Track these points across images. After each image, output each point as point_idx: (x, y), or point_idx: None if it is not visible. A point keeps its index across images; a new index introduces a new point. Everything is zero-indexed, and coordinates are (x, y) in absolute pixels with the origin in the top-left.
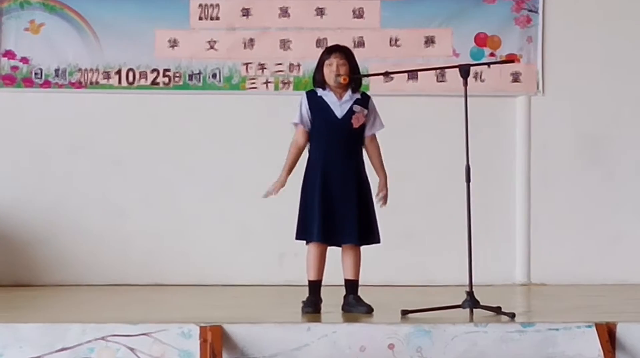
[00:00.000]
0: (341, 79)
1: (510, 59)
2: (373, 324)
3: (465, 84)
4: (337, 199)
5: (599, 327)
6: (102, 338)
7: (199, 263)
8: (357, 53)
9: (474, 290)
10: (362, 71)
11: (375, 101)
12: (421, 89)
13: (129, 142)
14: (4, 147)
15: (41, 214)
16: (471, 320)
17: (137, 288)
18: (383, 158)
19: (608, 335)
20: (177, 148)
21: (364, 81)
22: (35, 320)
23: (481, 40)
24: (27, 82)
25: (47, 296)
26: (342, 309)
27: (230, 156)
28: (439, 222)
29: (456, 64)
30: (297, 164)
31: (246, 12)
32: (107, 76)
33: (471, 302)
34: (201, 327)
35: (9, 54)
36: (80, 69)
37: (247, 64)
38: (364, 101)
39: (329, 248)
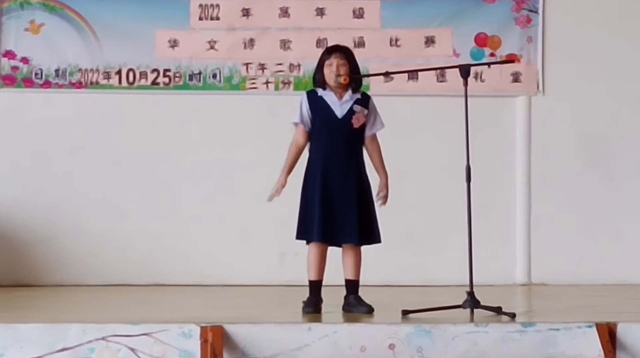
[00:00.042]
0: (341, 79)
1: (511, 59)
2: (374, 324)
3: (466, 84)
4: (338, 199)
5: (599, 327)
6: (103, 339)
7: (199, 263)
8: (358, 53)
9: (474, 290)
10: (362, 71)
11: (376, 101)
12: (421, 89)
13: (129, 142)
14: (4, 147)
15: (41, 215)
16: (472, 320)
17: (137, 288)
18: (384, 157)
19: (609, 335)
20: (178, 148)
21: (364, 81)
22: (36, 320)
23: (481, 40)
24: (28, 82)
25: (47, 296)
26: (343, 309)
27: (230, 156)
28: (440, 222)
29: (456, 64)
30: (297, 164)
31: (246, 12)
32: (107, 76)
33: (472, 302)
34: (202, 327)
35: (9, 54)
36: (80, 69)
37: (247, 64)
38: (364, 101)
39: (329, 248)
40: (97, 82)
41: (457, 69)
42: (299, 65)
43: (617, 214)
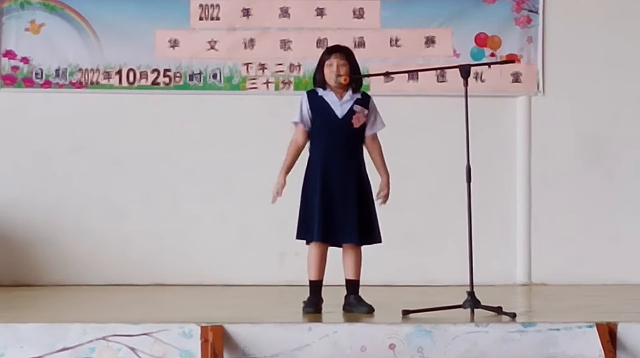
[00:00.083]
0: (342, 80)
1: (511, 60)
2: (374, 324)
3: (466, 84)
4: (338, 199)
5: (600, 327)
6: (103, 338)
7: (199, 263)
8: (358, 53)
9: (474, 290)
10: (362, 71)
11: (376, 101)
12: (422, 89)
13: (129, 142)
14: (4, 147)
15: (42, 214)
16: (472, 320)
17: (137, 288)
18: (384, 157)
19: (609, 335)
20: (178, 148)
21: (365, 81)
22: (36, 320)
23: (481, 40)
24: (28, 82)
25: (47, 296)
26: (343, 309)
27: (230, 156)
28: (440, 222)
29: (456, 64)
30: (296, 164)
31: (246, 13)
32: (107, 76)
33: (472, 302)
34: (202, 327)
35: (10, 54)
36: (80, 69)
37: (247, 64)
38: (365, 101)
39: (329, 248)
40: (98, 82)
41: (458, 69)
42: (299, 65)
43: (617, 214)
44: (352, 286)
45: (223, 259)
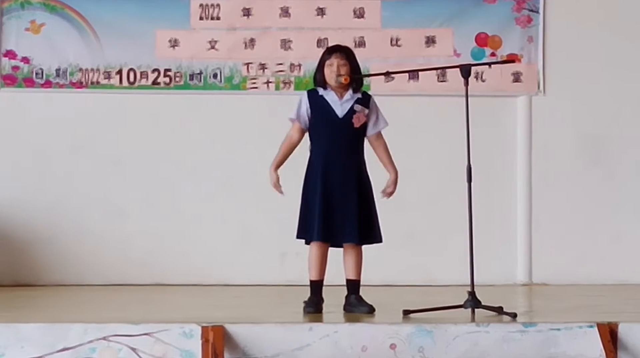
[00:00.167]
0: (342, 79)
1: (511, 59)
2: (375, 324)
3: (466, 84)
4: (338, 198)
5: (600, 327)
6: (104, 338)
7: (199, 263)
8: (358, 53)
9: (475, 290)
10: (363, 71)
11: (377, 100)
12: (422, 89)
13: (129, 142)
14: (4, 147)
15: (42, 214)
16: (473, 320)
17: (137, 288)
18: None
19: (610, 335)
20: (178, 148)
21: (365, 80)
22: (37, 320)
23: (482, 40)
24: (28, 82)
25: (48, 296)
26: (344, 309)
27: (231, 156)
28: (441, 222)
29: (457, 64)
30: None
31: (247, 12)
32: (107, 75)
33: (473, 302)
34: (203, 327)
35: (10, 54)
36: (81, 69)
37: (248, 64)
38: (365, 100)
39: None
40: (98, 82)
41: (458, 69)
42: (299, 65)
43: (618, 214)
44: (353, 286)
45: (223, 259)
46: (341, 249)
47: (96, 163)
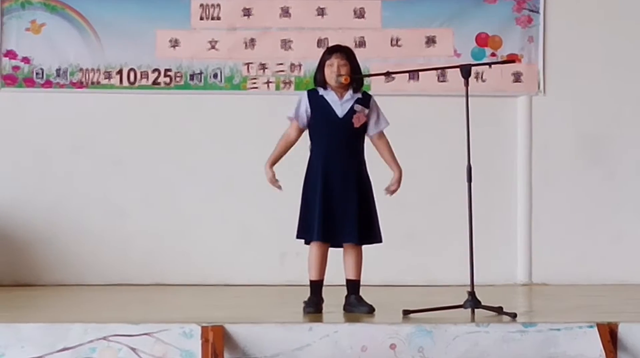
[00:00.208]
0: (342, 80)
1: (512, 59)
2: (374, 324)
3: (467, 84)
4: (338, 198)
5: (600, 327)
6: (104, 338)
7: (199, 263)
8: (358, 53)
9: (475, 290)
10: (363, 71)
11: (377, 100)
12: (422, 89)
13: (130, 142)
14: (5, 147)
15: (42, 214)
16: (473, 320)
17: (138, 288)
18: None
19: (610, 335)
20: (178, 148)
21: (366, 81)
22: (37, 320)
23: (482, 40)
24: (29, 82)
25: (48, 296)
26: (344, 309)
27: (231, 156)
28: (441, 222)
29: (457, 64)
30: (282, 157)
31: (247, 12)
32: (108, 75)
33: (472, 302)
34: (203, 327)
35: (10, 54)
36: (81, 69)
37: (248, 64)
38: (365, 100)
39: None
40: (98, 82)
41: (458, 69)
42: (299, 65)
43: (618, 214)
44: (353, 286)
45: (224, 259)
46: (341, 249)
47: (96, 163)
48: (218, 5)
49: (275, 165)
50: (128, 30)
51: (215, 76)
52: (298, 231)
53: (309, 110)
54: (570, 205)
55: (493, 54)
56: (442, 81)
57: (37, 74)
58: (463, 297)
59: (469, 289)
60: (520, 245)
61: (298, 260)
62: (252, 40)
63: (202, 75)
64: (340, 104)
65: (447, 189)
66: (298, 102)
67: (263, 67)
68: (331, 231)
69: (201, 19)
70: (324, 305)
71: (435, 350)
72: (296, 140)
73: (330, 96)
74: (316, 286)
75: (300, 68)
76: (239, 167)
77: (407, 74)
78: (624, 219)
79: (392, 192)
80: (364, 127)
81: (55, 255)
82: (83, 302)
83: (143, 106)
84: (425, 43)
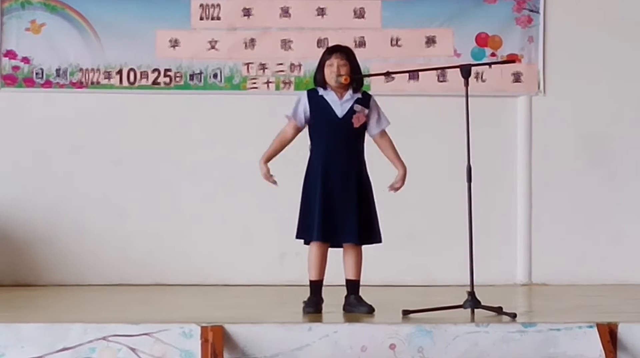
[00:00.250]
0: (342, 80)
1: (512, 59)
2: (374, 324)
3: (467, 84)
4: (338, 198)
5: (600, 327)
6: (104, 338)
7: (199, 263)
8: (358, 53)
9: (475, 290)
10: (363, 71)
11: (377, 100)
12: (422, 89)
13: (129, 142)
14: (4, 147)
15: (42, 214)
16: (472, 320)
17: (138, 288)
18: (385, 156)
19: (609, 336)
20: (178, 148)
21: (365, 81)
22: (37, 320)
23: (482, 40)
24: (28, 82)
25: (48, 296)
26: (344, 309)
27: (231, 156)
28: (440, 222)
29: (457, 64)
30: (277, 154)
31: (247, 12)
32: (108, 75)
33: (472, 302)
34: (202, 327)
35: (10, 54)
36: (81, 69)
37: (248, 64)
38: (365, 100)
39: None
40: (98, 82)
41: (458, 69)
42: (299, 65)
43: (618, 214)
44: (353, 286)
45: (223, 259)
46: (341, 249)
47: (96, 163)
48: (218, 5)
49: (273, 163)
50: (128, 31)
51: (215, 76)
52: (298, 231)
53: (307, 110)
54: (570, 205)
55: (493, 54)
56: (442, 81)
57: (37, 74)
58: (463, 297)
59: (468, 289)
60: (520, 245)
61: (298, 260)
62: (252, 40)
63: (202, 75)
64: (340, 104)
65: (447, 189)
66: (297, 102)
67: (263, 67)
68: (331, 231)
69: (201, 19)
70: (323, 305)
71: (435, 350)
72: (292, 139)
73: (330, 96)
74: (316, 286)
75: (300, 68)
76: (239, 167)
77: (407, 74)
78: (624, 219)
79: (396, 189)
80: (363, 128)
81: (55, 255)
82: (83, 302)
83: (143, 106)
84: (425, 43)
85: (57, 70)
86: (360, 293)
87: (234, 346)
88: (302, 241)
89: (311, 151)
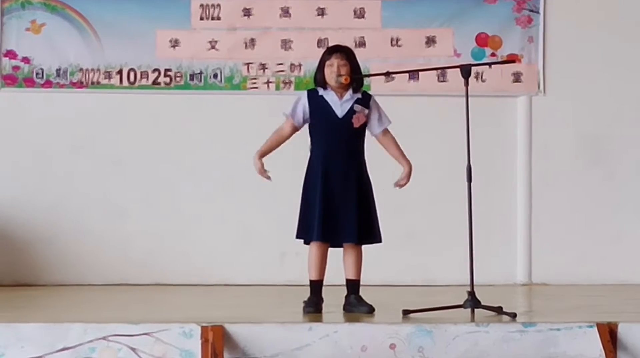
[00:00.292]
0: (342, 80)
1: (512, 59)
2: (374, 324)
3: (467, 84)
4: (338, 198)
5: (600, 327)
6: (104, 338)
7: (199, 262)
8: (358, 53)
9: (475, 289)
10: (363, 71)
11: (377, 100)
12: (422, 89)
13: (130, 142)
14: (5, 147)
15: (42, 214)
16: (472, 320)
17: (138, 287)
18: (385, 157)
19: (609, 335)
20: (178, 148)
21: (366, 81)
22: (37, 320)
23: (482, 40)
24: (29, 82)
25: (48, 296)
26: (344, 309)
27: (231, 156)
28: (441, 222)
29: (457, 64)
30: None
31: (247, 12)
32: (108, 75)
33: (472, 302)
34: (202, 327)
35: (11, 54)
36: (81, 69)
37: (248, 64)
38: (365, 100)
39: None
40: (98, 82)
41: (458, 69)
42: (300, 65)
43: (618, 214)
44: (353, 286)
45: (223, 259)
46: (341, 249)
47: (96, 163)
48: (218, 5)
49: (274, 164)
50: (128, 30)
51: (215, 76)
52: (298, 231)
53: (307, 110)
54: (570, 205)
55: (493, 54)
56: (442, 81)
57: (37, 74)
58: (463, 297)
59: (468, 289)
60: (520, 244)
61: (298, 260)
62: (252, 40)
63: (202, 75)
64: (340, 104)
65: (447, 189)
66: (296, 101)
67: (263, 67)
68: (331, 231)
69: (201, 19)
70: (323, 305)
71: (435, 350)
72: (289, 137)
73: (330, 96)
74: (316, 286)
75: (300, 68)
76: (239, 167)
77: (407, 74)
78: (624, 219)
79: (402, 186)
80: (363, 128)
81: (55, 255)
82: (83, 302)
83: (143, 106)
84: (425, 43)
85: (58, 70)
86: (361, 293)
87: (234, 346)
88: (302, 241)
89: (311, 151)
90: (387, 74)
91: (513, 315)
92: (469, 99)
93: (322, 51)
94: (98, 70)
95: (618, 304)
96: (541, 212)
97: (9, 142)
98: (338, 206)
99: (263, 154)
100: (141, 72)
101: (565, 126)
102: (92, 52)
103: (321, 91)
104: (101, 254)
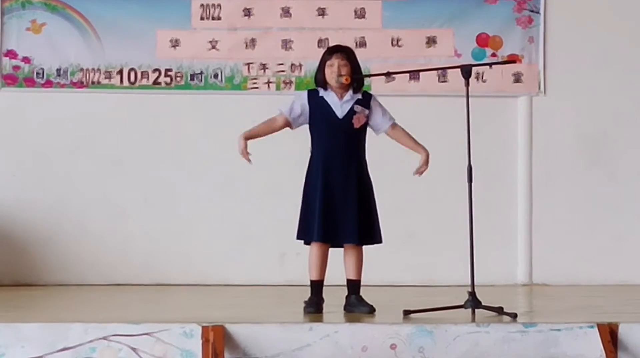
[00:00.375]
0: (343, 80)
1: (512, 60)
2: (375, 324)
3: (467, 84)
4: (339, 199)
5: (601, 327)
6: (104, 338)
7: (200, 263)
8: (359, 53)
9: (476, 290)
10: (363, 71)
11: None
12: (423, 89)
13: (130, 142)
14: (5, 147)
15: (42, 214)
16: (473, 320)
17: (138, 288)
18: (385, 157)
19: (610, 336)
20: (179, 148)
21: (366, 81)
22: (37, 320)
23: (483, 40)
24: (29, 82)
25: (48, 296)
26: (344, 309)
27: (231, 156)
28: (441, 222)
29: (458, 64)
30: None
31: (248, 12)
32: (108, 75)
33: (473, 302)
34: (203, 327)
35: (11, 54)
36: (81, 69)
37: (248, 64)
38: (365, 100)
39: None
40: (99, 82)
41: (459, 70)
42: (300, 65)
43: (618, 215)
44: (353, 286)
45: (224, 259)
46: (341, 249)
47: (97, 163)
48: (219, 5)
49: (275, 164)
50: (129, 30)
51: (215, 76)
52: (298, 232)
53: (307, 110)
54: (571, 205)
55: (493, 55)
56: (442, 81)
57: (37, 73)
58: (463, 297)
59: (469, 289)
60: (520, 245)
61: (298, 260)
62: (253, 40)
63: (203, 75)
64: (340, 104)
65: (447, 189)
66: (295, 99)
67: (264, 67)
68: (331, 231)
69: (202, 19)
70: (324, 305)
71: (436, 350)
72: (279, 129)
73: (330, 97)
74: (317, 286)
75: (300, 68)
76: (239, 167)
77: (408, 75)
78: (624, 219)
79: (421, 173)
80: (364, 128)
81: (55, 255)
82: (83, 302)
83: (143, 106)
84: (425, 43)
85: (58, 70)
86: (361, 293)
87: (234, 346)
88: (302, 241)
89: (311, 151)
90: (388, 74)
91: (514, 316)
92: (470, 99)
93: (322, 51)
94: (98, 70)
95: (619, 304)
96: (542, 212)
97: (10, 142)
98: (338, 207)
99: (249, 137)
100: (142, 72)
101: (566, 127)
102: (93, 52)
103: (321, 92)
104: (102, 254)
